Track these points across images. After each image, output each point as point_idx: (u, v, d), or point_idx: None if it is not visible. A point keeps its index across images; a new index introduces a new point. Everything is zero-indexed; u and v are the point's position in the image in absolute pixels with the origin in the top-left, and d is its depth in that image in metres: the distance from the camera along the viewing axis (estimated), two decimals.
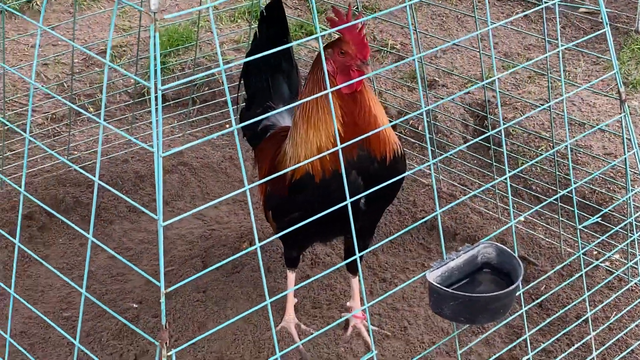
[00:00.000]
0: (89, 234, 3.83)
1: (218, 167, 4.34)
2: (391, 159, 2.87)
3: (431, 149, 3.92)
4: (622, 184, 3.89)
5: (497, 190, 3.90)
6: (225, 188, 4.25)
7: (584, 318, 3.27)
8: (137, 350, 3.20)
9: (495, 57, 5.02)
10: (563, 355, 3.18)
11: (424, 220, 2.99)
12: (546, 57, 3.06)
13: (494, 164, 3.86)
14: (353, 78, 2.79)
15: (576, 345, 3.24)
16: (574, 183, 3.69)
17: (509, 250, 2.68)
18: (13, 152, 4.33)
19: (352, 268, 3.28)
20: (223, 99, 4.71)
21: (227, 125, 4.73)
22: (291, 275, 3.24)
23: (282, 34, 3.28)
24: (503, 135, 2.59)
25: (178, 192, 4.19)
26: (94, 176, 2.25)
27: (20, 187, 2.44)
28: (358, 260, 2.41)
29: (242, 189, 2.18)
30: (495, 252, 2.69)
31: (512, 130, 4.30)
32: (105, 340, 3.27)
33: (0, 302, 3.57)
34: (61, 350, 3.31)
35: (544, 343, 3.28)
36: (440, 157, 2.92)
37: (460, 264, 2.64)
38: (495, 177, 3.94)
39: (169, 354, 2.10)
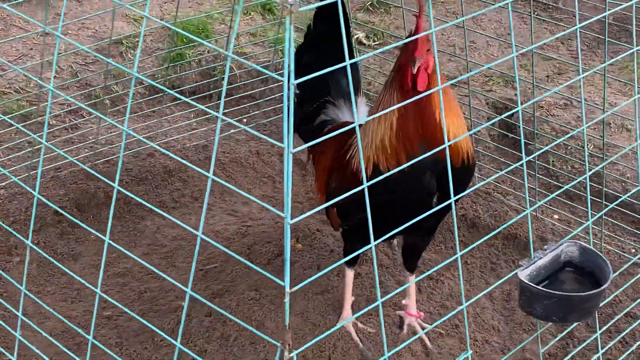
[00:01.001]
0: (121, 229, 3.79)
1: (246, 162, 4.28)
2: (462, 163, 2.85)
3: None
4: None
5: (536, 189, 3.90)
6: (254, 183, 4.20)
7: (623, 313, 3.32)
8: (195, 350, 3.13)
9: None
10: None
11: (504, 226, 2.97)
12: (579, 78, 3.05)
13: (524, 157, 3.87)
14: (406, 74, 2.75)
15: (617, 338, 3.26)
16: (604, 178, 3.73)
17: (593, 249, 2.68)
18: (30, 143, 4.21)
19: (410, 266, 3.25)
20: (242, 93, 4.64)
21: (245, 120, 4.66)
22: (350, 273, 3.20)
23: (339, 30, 3.22)
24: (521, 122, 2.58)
25: (203, 189, 4.12)
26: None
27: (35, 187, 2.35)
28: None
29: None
30: (579, 251, 2.68)
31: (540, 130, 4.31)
32: (159, 340, 3.19)
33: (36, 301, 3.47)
34: (111, 351, 3.22)
35: (596, 341, 3.29)
36: None
37: (546, 262, 2.63)
38: (527, 175, 3.94)
39: (290, 355, 2.05)
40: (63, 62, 4.71)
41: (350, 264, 3.19)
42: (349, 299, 3.23)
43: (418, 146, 2.76)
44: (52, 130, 4.30)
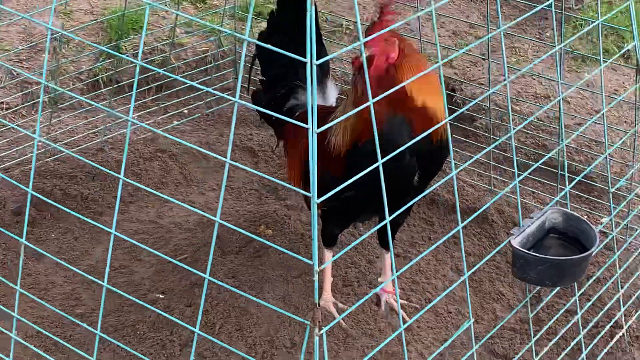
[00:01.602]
0: (80, 226, 3.73)
1: (198, 152, 4.25)
2: (440, 139, 2.91)
3: None
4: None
5: (491, 162, 4.01)
6: (208, 173, 4.18)
7: (593, 278, 3.46)
8: (180, 341, 3.12)
9: (444, 36, 5.14)
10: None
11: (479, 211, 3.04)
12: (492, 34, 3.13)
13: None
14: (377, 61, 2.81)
15: (591, 301, 3.40)
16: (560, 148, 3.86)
17: (576, 215, 2.79)
18: None
19: (385, 243, 3.30)
20: (181, 87, 4.60)
21: (186, 111, 4.63)
22: (329, 255, 3.23)
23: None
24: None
25: (161, 180, 4.09)
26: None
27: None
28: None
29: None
30: (562, 217, 2.79)
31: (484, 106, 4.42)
32: (142, 333, 3.17)
33: (4, 303, 3.39)
34: (91, 347, 3.17)
35: (563, 304, 3.42)
36: None
37: (533, 230, 2.72)
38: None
39: (320, 332, 2.08)
40: None
41: (329, 245, 3.22)
42: (328, 280, 3.26)
43: (389, 121, 2.80)
44: None
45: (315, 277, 2.09)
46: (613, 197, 3.23)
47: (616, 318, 3.21)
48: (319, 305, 2.11)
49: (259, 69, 3.54)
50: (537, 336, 3.00)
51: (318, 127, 2.63)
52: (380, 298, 3.35)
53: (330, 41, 4.90)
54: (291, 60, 3.28)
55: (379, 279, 3.38)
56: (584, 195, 3.95)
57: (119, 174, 3.85)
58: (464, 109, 2.46)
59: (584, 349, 2.94)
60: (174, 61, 4.70)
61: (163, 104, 4.60)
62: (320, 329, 2.09)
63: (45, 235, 3.70)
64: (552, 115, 4.32)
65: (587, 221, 2.76)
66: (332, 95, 3.36)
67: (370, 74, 2.76)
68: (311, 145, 2.00)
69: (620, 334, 3.22)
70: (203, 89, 2.45)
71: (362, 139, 2.84)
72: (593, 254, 2.66)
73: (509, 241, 2.63)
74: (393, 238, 3.32)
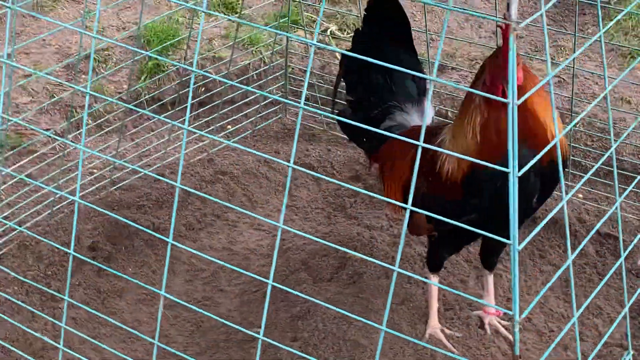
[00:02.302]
0: (155, 258, 3.58)
1: (257, 172, 4.12)
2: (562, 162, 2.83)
3: None
4: None
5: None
6: (270, 193, 4.05)
7: None
8: None
9: (484, 37, 5.06)
10: None
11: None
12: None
13: None
14: (498, 91, 2.70)
15: None
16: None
17: None
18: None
19: (490, 264, 3.21)
20: (220, 99, 4.44)
21: (229, 126, 4.49)
22: (435, 280, 3.13)
23: (399, 25, 3.14)
24: None
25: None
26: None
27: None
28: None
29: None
30: None
31: None
32: None
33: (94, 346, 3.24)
34: None
35: None
36: None
37: None
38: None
39: None
40: (34, 85, 4.39)
41: (436, 270, 3.12)
42: (434, 306, 3.16)
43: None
44: (46, 159, 4.00)
45: (517, 330, 1.98)
46: None
47: None
48: (520, 357, 2.01)
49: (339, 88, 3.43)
50: None
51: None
52: (483, 320, 3.26)
53: None
54: (386, 79, 3.22)
55: (482, 301, 3.29)
56: None
57: (186, 199, 3.76)
58: (573, 123, 2.35)
59: None
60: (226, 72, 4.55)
61: (202, 119, 4.44)
62: None
63: (122, 270, 3.54)
64: (616, 117, 4.25)
65: None
66: (429, 115, 3.25)
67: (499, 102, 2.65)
68: (511, 124, 1.86)
69: None
70: (274, 97, 2.33)
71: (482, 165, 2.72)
72: None
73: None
74: (497, 258, 3.24)
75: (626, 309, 2.44)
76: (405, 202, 3.10)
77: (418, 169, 2.98)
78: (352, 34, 4.91)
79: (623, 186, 3.91)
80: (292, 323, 3.19)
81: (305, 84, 1.98)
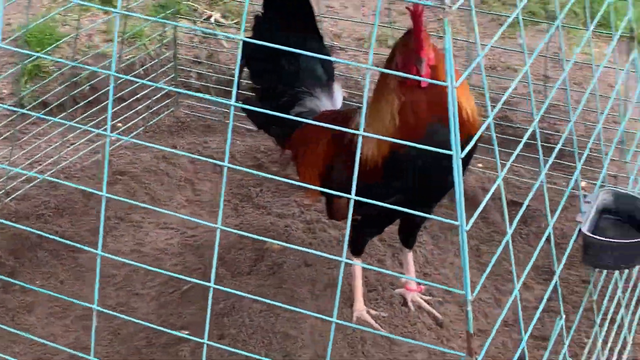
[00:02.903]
0: (62, 269, 3.46)
1: (157, 168, 4.02)
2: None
3: None
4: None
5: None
6: (173, 190, 3.97)
7: None
8: None
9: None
10: None
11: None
12: None
13: None
14: (411, 73, 2.71)
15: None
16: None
17: (629, 192, 2.80)
18: None
19: (410, 243, 3.23)
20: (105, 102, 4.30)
21: (120, 124, 4.36)
22: (359, 263, 3.13)
23: (301, 9, 3.11)
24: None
25: (130, 205, 3.83)
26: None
27: None
28: None
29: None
30: (613, 197, 2.80)
31: None
32: None
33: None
34: None
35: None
36: None
37: (592, 214, 2.72)
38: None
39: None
40: None
41: (359, 254, 3.12)
42: (359, 289, 3.16)
43: (430, 127, 2.72)
44: None
45: (469, 308, 2.00)
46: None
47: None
48: (473, 335, 2.02)
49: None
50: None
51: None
52: (406, 298, 3.28)
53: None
54: (293, 66, 3.18)
55: (402, 279, 3.31)
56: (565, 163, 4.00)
57: (86, 204, 3.64)
58: (496, 109, 2.39)
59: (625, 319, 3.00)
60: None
61: (92, 120, 4.30)
62: (474, 357, 2.01)
63: (30, 283, 3.39)
64: (506, 85, 4.33)
65: (637, 195, 2.78)
66: (339, 99, 3.24)
67: (423, 85, 2.66)
68: (451, 107, 1.86)
69: None
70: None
71: (400, 145, 2.72)
72: None
73: (581, 231, 2.61)
74: (416, 236, 3.26)
75: (556, 277, 2.49)
76: (323, 187, 3.10)
77: (337, 156, 2.99)
78: (236, 20, 4.87)
79: (523, 153, 4.03)
80: (218, 320, 3.13)
81: (237, 78, 1.93)
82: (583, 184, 3.99)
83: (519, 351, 2.02)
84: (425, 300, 3.28)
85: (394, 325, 3.17)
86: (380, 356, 3.03)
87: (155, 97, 4.38)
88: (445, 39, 1.86)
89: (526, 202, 2.33)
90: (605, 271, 3.14)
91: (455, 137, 1.91)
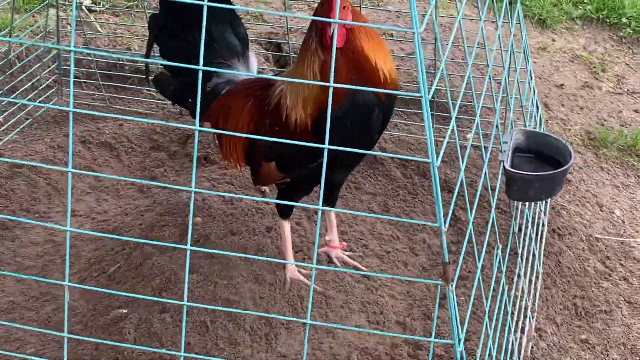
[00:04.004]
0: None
1: (55, 158, 3.97)
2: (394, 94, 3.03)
3: None
4: None
5: None
6: (74, 178, 3.92)
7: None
8: (177, 347, 2.98)
9: None
10: None
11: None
12: None
13: None
14: (326, 34, 2.83)
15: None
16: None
17: (539, 130, 3.04)
18: None
19: (333, 202, 3.34)
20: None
21: (1, 120, 4.28)
22: (287, 225, 3.22)
23: None
24: None
25: (32, 196, 3.79)
26: None
27: None
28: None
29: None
30: (524, 136, 3.03)
31: None
32: (132, 355, 2.98)
33: None
34: None
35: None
36: None
37: (509, 152, 2.94)
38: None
39: (453, 288, 2.15)
40: None
41: (288, 216, 3.22)
42: (289, 250, 3.25)
43: (354, 82, 2.85)
44: None
45: (443, 237, 2.14)
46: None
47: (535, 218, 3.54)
48: (449, 262, 2.17)
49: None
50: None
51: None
52: (330, 255, 3.41)
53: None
54: (208, 38, 3.22)
55: (326, 237, 3.43)
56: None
57: None
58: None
59: (535, 250, 3.24)
60: None
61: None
62: (451, 285, 2.16)
63: None
64: None
65: (550, 134, 3.02)
66: (254, 68, 3.31)
67: (337, 45, 2.77)
68: (418, 53, 1.99)
69: (545, 231, 3.58)
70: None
71: (326, 104, 2.82)
72: (573, 160, 2.92)
73: (505, 168, 2.82)
74: (338, 194, 3.39)
75: (470, 225, 2.68)
76: (249, 155, 3.18)
77: (262, 121, 3.06)
78: (107, 5, 4.84)
79: (409, 110, 4.24)
80: (157, 295, 3.15)
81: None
82: (469, 135, 4.24)
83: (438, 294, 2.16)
84: (348, 256, 3.42)
85: (325, 281, 3.29)
86: (318, 310, 3.15)
87: (38, 89, 4.30)
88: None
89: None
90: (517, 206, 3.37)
91: (422, 79, 2.03)
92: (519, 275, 3.11)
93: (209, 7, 3.10)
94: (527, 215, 3.30)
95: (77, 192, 3.87)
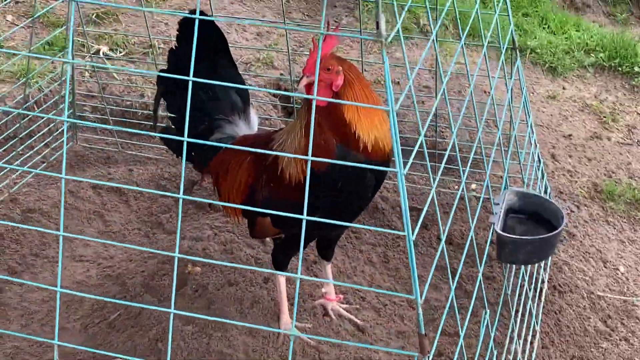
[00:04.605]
0: None
1: (66, 203, 4.06)
2: (388, 156, 3.07)
3: None
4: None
5: None
6: (83, 224, 4.01)
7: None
8: None
9: (251, 40, 5.23)
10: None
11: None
12: None
13: None
14: (308, 92, 2.89)
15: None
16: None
17: (532, 192, 3.07)
18: None
19: (328, 255, 3.40)
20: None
21: (18, 163, 4.37)
22: (282, 280, 3.28)
23: (214, 39, 3.25)
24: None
25: (43, 242, 3.87)
26: None
27: None
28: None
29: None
30: (517, 197, 3.06)
31: None
32: None
33: None
34: None
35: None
36: None
37: (501, 214, 2.97)
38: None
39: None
40: None
41: (283, 268, 3.27)
42: (285, 303, 3.30)
43: (338, 149, 2.90)
44: None
45: (419, 310, 2.18)
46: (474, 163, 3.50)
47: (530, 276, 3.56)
48: (425, 335, 2.21)
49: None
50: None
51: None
52: (326, 307, 3.45)
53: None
54: (209, 94, 3.32)
55: (323, 290, 3.47)
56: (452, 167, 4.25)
57: (1, 244, 3.66)
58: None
59: (532, 309, 3.26)
60: None
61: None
62: (428, 358, 2.20)
63: None
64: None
65: (543, 196, 3.05)
66: (255, 124, 3.38)
67: (317, 104, 2.82)
68: (393, 129, 2.04)
69: (545, 288, 3.59)
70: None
71: (318, 166, 2.87)
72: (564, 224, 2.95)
73: (495, 231, 2.85)
74: (334, 248, 3.44)
75: (479, 277, 2.71)
76: (248, 204, 3.23)
77: (259, 176, 3.12)
78: (123, 53, 4.94)
79: (417, 162, 4.27)
80: (152, 346, 3.22)
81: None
82: (473, 186, 4.27)
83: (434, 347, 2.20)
84: (344, 308, 3.47)
85: (319, 335, 3.34)
86: None
87: (54, 134, 4.41)
88: (385, 69, 2.04)
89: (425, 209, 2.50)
90: (510, 266, 3.40)
91: (398, 157, 2.08)
92: (511, 338, 3.13)
93: (212, 66, 3.25)
94: (523, 273, 3.32)
95: (54, 245, 3.92)
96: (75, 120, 4.27)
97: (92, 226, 4.01)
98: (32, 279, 3.69)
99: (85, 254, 3.85)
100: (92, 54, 4.82)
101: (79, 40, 4.90)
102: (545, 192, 3.92)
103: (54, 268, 3.76)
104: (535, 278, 3.54)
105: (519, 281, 3.30)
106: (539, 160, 3.88)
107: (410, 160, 2.28)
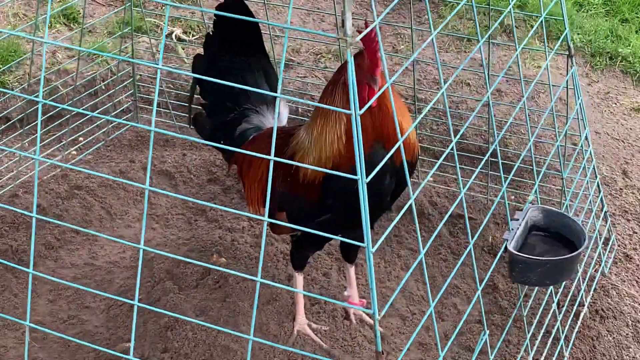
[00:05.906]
0: (17, 282, 3.51)
1: (114, 183, 4.09)
2: (414, 161, 2.96)
3: None
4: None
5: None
6: (129, 204, 4.03)
7: None
8: None
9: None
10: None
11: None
12: None
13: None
14: (364, 93, 2.78)
15: None
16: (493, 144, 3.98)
17: (557, 210, 2.89)
18: None
19: (352, 258, 3.30)
20: (70, 113, 4.36)
21: (81, 139, 4.43)
22: (300, 277, 3.20)
23: (249, 28, 3.19)
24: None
25: (84, 218, 3.91)
26: None
27: None
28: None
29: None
30: (542, 214, 2.88)
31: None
32: None
33: None
34: None
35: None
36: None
37: (521, 231, 2.80)
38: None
39: None
40: None
41: (301, 268, 3.19)
42: (301, 303, 3.23)
43: (373, 149, 2.79)
44: None
45: (377, 326, 2.07)
46: (538, 175, 3.34)
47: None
48: (382, 353, 2.09)
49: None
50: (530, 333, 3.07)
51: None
52: (348, 312, 3.35)
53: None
54: (241, 83, 3.26)
55: (345, 293, 3.38)
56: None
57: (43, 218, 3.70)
58: (422, 115, 2.45)
59: (560, 332, 3.07)
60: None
61: (54, 134, 4.39)
62: None
63: None
64: (458, 100, 4.43)
65: (569, 215, 2.86)
66: (285, 116, 3.32)
67: (374, 105, 2.73)
68: (355, 134, 1.94)
69: (584, 311, 3.38)
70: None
71: (342, 165, 2.78)
72: (584, 247, 2.76)
73: (507, 248, 2.69)
74: (357, 251, 3.33)
75: (479, 292, 2.57)
76: (264, 198, 3.17)
77: (277, 169, 3.05)
78: (197, 36, 4.95)
79: (470, 168, 4.11)
80: (162, 334, 3.20)
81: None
82: (531, 197, 4.07)
83: None
84: (367, 314, 3.36)
85: (334, 339, 3.25)
86: None
87: (115, 112, 4.45)
88: (348, 69, 1.93)
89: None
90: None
91: (360, 162, 1.97)
92: None
93: (245, 55, 3.21)
94: (552, 293, 3.14)
95: (129, 219, 3.97)
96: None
97: (137, 207, 4.03)
98: (68, 255, 3.73)
99: (125, 234, 3.87)
100: (166, 35, 4.84)
101: (153, 21, 4.93)
102: (602, 209, 3.71)
103: (92, 246, 3.79)
104: (572, 299, 3.34)
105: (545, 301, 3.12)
106: (595, 176, 3.66)
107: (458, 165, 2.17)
